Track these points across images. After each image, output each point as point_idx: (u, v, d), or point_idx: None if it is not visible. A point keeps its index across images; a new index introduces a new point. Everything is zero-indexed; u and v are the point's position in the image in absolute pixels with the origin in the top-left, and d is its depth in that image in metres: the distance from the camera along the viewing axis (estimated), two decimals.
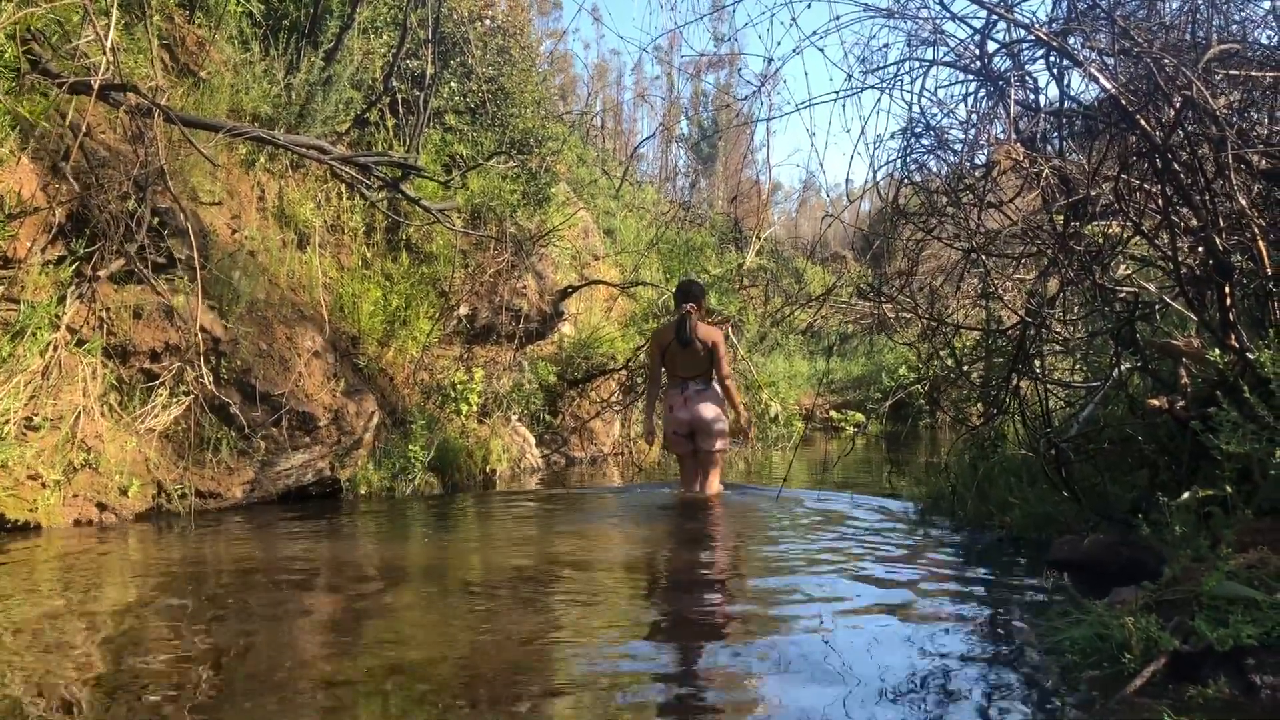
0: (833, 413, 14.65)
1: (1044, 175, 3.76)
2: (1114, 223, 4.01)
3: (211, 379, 5.36)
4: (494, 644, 2.77)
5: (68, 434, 4.78)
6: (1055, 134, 4.17)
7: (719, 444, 6.08)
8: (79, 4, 4.74)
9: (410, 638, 2.86)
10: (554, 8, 18.39)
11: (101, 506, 4.86)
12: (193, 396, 5.31)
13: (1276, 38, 3.96)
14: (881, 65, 4.31)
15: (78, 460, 4.80)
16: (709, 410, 6.01)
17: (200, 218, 5.60)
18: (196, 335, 5.20)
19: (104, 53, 4.47)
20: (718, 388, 6.12)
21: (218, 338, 5.44)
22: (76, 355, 4.95)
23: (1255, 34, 3.96)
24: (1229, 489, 2.89)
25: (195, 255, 5.03)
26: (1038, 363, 4.50)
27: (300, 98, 6.70)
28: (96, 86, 4.46)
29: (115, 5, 4.54)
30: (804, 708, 2.20)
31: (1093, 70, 3.46)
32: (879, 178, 4.46)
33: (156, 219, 5.21)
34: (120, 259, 5.09)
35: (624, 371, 9.41)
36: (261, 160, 6.48)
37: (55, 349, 4.85)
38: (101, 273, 5.07)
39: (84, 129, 4.66)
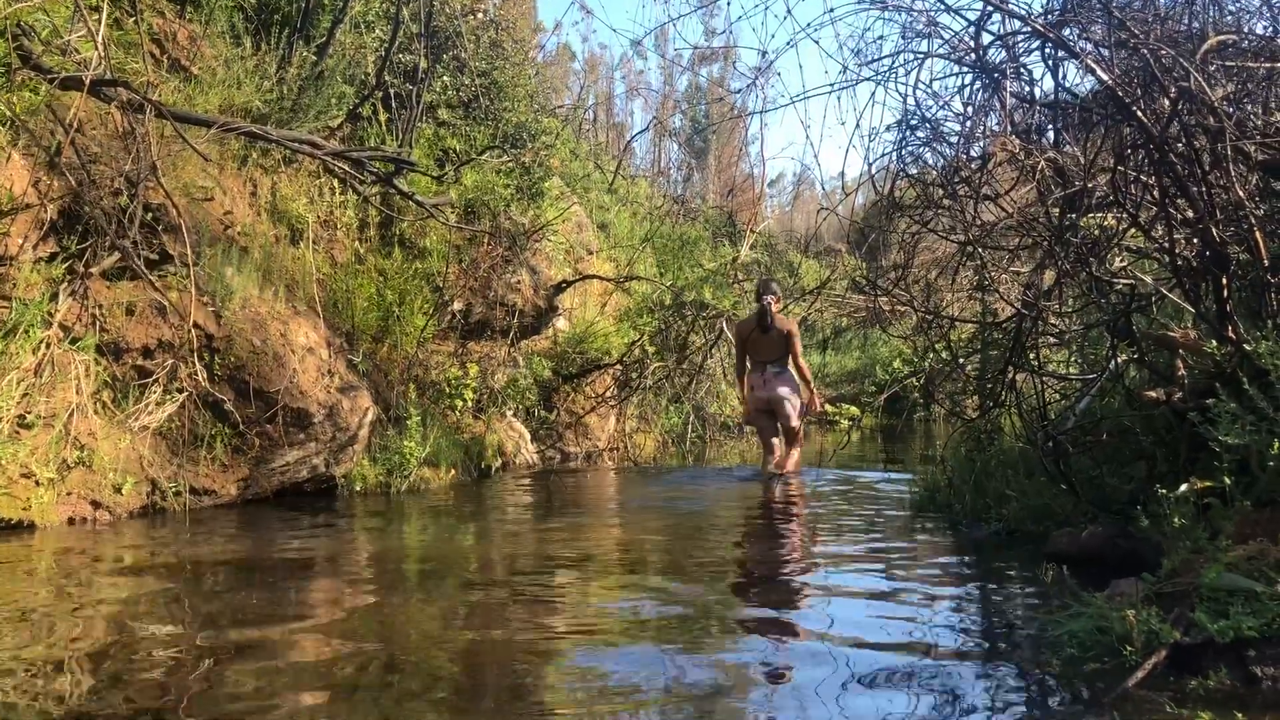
0: (827, 406, 14.65)
1: (1040, 167, 3.76)
2: (1110, 214, 4.00)
3: (205, 376, 5.33)
4: (492, 638, 2.76)
5: (61, 432, 4.75)
6: (1051, 126, 4.16)
7: (795, 420, 7.07)
8: None
9: (407, 634, 2.85)
10: None
11: (95, 504, 4.84)
12: (186, 393, 5.29)
13: (1272, 28, 3.96)
14: (876, 58, 4.31)
15: (71, 458, 4.78)
16: (784, 390, 7.02)
17: (193, 214, 5.57)
18: (190, 332, 5.17)
19: (95, 48, 4.44)
20: (793, 371, 7.11)
21: (211, 334, 5.41)
22: (69, 353, 4.92)
23: (1250, 24, 3.96)
24: (1227, 480, 2.89)
25: (188, 251, 5.00)
26: (1034, 355, 4.49)
27: (292, 92, 6.66)
28: (88, 82, 4.43)
29: (106, 1, 4.50)
30: (801, 696, 2.20)
31: (1089, 62, 3.45)
32: (874, 170, 4.47)
33: (149, 215, 5.18)
34: (113, 255, 5.06)
35: (619, 366, 9.39)
36: (254, 156, 6.44)
37: (48, 346, 4.82)
38: (94, 269, 5.04)
39: (75, 125, 4.62)
